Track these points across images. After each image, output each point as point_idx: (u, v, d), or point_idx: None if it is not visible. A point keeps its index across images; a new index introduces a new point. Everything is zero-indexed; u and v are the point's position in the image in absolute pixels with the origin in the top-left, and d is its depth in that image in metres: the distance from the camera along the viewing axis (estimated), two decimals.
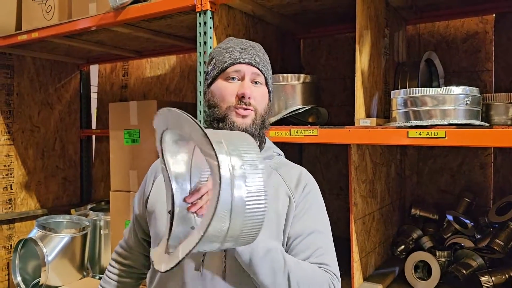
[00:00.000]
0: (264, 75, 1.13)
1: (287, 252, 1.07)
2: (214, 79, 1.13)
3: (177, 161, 0.94)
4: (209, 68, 1.16)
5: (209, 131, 0.79)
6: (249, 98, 1.08)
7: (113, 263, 1.35)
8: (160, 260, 0.88)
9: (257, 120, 1.11)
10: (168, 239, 0.90)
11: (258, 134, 1.12)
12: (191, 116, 0.81)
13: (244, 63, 1.10)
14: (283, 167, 1.18)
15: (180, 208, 0.93)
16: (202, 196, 0.92)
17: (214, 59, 1.14)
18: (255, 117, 1.10)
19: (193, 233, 0.79)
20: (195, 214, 0.94)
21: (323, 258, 1.06)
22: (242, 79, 1.10)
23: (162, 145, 0.93)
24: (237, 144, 0.80)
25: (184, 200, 0.93)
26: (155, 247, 0.95)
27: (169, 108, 0.86)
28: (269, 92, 1.16)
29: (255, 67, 1.11)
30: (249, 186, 0.77)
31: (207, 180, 0.95)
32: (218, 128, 1.10)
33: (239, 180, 0.76)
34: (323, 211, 1.16)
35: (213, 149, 0.75)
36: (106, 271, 1.36)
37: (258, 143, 1.18)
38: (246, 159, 0.79)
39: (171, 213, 0.93)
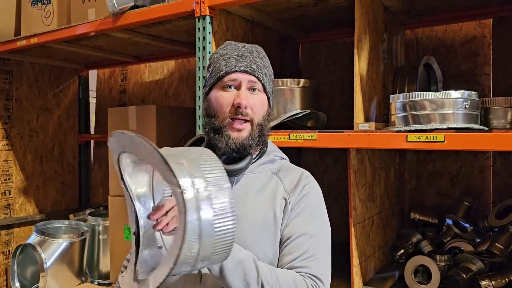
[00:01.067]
0: (261, 82, 1.11)
1: (279, 253, 1.07)
2: (211, 88, 1.13)
3: (137, 181, 0.90)
4: (208, 75, 1.15)
5: (165, 152, 0.75)
6: (245, 107, 1.07)
7: (124, 269, 1.35)
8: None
9: (253, 131, 1.10)
10: (135, 264, 0.87)
11: (256, 143, 1.12)
12: (145, 139, 0.76)
13: (240, 71, 1.09)
14: (284, 171, 1.18)
15: (146, 228, 0.89)
16: (167, 212, 0.90)
17: (211, 66, 1.14)
18: (252, 128, 1.10)
19: (163, 261, 0.76)
20: (161, 232, 0.91)
21: (308, 262, 1.04)
22: (238, 87, 1.10)
23: (120, 167, 0.89)
24: (199, 164, 0.77)
25: (148, 217, 0.90)
26: (121, 274, 0.91)
27: (122, 131, 0.83)
28: (268, 98, 1.15)
29: (251, 74, 1.10)
30: (216, 207, 0.74)
31: (170, 195, 0.91)
32: (214, 138, 1.10)
33: (204, 203, 0.73)
34: (320, 214, 1.14)
35: (174, 175, 0.72)
36: (117, 283, 1.36)
37: (258, 151, 1.18)
38: (210, 179, 0.76)
39: (136, 234, 0.89)
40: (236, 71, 1.09)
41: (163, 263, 0.76)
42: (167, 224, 0.90)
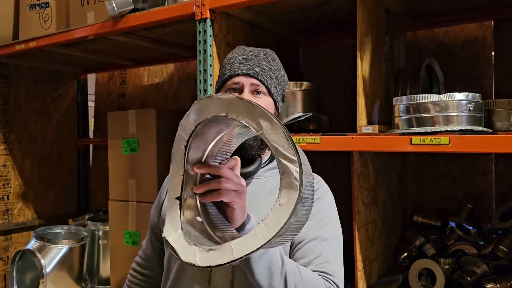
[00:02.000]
0: (265, 85, 1.10)
1: (290, 258, 1.06)
2: (218, 90, 1.15)
3: (196, 146, 0.89)
4: (217, 79, 1.17)
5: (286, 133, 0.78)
6: None
7: (133, 273, 1.34)
8: (187, 251, 0.82)
9: None
10: (182, 228, 0.86)
11: (259, 146, 1.11)
12: (270, 112, 0.78)
13: (242, 74, 1.08)
14: None
15: (187, 196, 0.88)
16: (212, 186, 0.88)
17: (220, 71, 1.15)
18: None
19: (252, 233, 0.78)
20: (201, 203, 0.90)
21: (324, 266, 1.04)
22: (241, 91, 1.09)
23: (196, 127, 0.86)
24: (301, 152, 0.81)
25: (192, 189, 0.89)
26: (169, 232, 0.87)
27: (240, 97, 0.82)
28: (275, 102, 1.14)
29: (254, 77, 1.09)
30: (306, 188, 0.78)
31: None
32: None
33: (304, 183, 0.77)
34: (332, 219, 1.14)
35: (297, 154, 0.76)
36: (127, 281, 1.35)
37: (268, 155, 1.17)
38: (307, 166, 0.80)
39: (180, 199, 0.88)
40: (238, 74, 1.09)
41: (252, 234, 0.77)
42: (210, 197, 0.88)
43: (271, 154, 1.18)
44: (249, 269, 0.93)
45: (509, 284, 1.57)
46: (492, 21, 1.96)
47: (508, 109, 1.51)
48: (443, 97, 1.36)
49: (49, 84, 3.13)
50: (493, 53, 1.97)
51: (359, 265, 1.57)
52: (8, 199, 2.86)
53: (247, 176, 1.09)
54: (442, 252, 1.85)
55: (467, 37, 2.03)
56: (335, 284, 1.03)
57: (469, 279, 1.63)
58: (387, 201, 1.90)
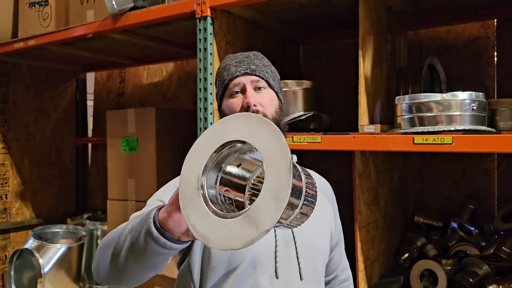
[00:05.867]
0: (264, 79, 1.14)
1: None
2: (221, 99, 1.17)
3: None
4: (216, 90, 1.20)
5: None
6: (254, 105, 1.09)
7: None
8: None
9: None
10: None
11: None
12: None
13: (241, 75, 1.13)
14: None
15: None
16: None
17: (217, 81, 1.19)
18: None
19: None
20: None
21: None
22: (244, 90, 1.12)
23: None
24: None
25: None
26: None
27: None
28: (276, 93, 1.16)
29: (252, 75, 1.13)
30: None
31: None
32: None
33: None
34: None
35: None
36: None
37: None
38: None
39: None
40: (237, 75, 1.13)
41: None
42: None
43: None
44: None
45: (511, 285, 1.56)
46: (495, 20, 1.95)
47: (511, 108, 1.50)
48: (446, 96, 1.35)
49: (48, 82, 3.11)
50: (495, 52, 1.96)
51: (360, 265, 1.55)
52: (6, 198, 2.84)
53: None
54: (443, 253, 1.83)
55: (470, 36, 2.01)
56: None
57: (471, 280, 1.61)
58: (389, 201, 1.88)
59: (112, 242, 0.91)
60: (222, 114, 1.16)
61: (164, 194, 1.11)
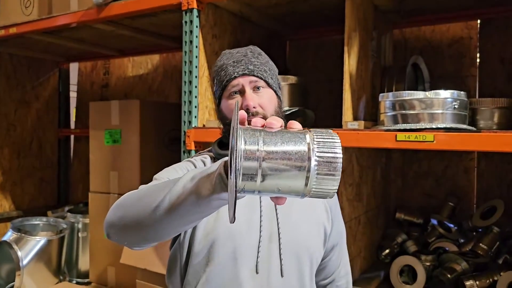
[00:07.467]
0: (262, 79, 1.13)
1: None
2: (220, 99, 1.16)
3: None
4: (214, 88, 1.19)
5: None
6: (254, 107, 1.08)
7: None
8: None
9: None
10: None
11: None
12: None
13: (238, 76, 1.11)
14: None
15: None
16: None
17: (215, 79, 1.17)
18: None
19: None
20: None
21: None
22: (242, 91, 1.11)
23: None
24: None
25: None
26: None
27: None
28: (275, 92, 1.16)
29: (250, 75, 1.12)
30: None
31: None
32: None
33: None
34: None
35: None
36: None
37: None
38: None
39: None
40: (235, 77, 1.11)
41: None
42: None
43: None
44: None
45: (488, 281, 1.59)
46: (478, 21, 1.98)
47: (491, 108, 1.52)
48: (429, 94, 1.36)
49: (30, 72, 3.05)
50: (478, 53, 1.99)
51: None
52: None
53: None
54: (423, 249, 1.86)
55: (453, 36, 2.04)
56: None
57: (449, 276, 1.64)
58: (371, 198, 1.90)
59: (149, 195, 0.84)
60: (221, 114, 1.15)
61: (174, 173, 1.07)
